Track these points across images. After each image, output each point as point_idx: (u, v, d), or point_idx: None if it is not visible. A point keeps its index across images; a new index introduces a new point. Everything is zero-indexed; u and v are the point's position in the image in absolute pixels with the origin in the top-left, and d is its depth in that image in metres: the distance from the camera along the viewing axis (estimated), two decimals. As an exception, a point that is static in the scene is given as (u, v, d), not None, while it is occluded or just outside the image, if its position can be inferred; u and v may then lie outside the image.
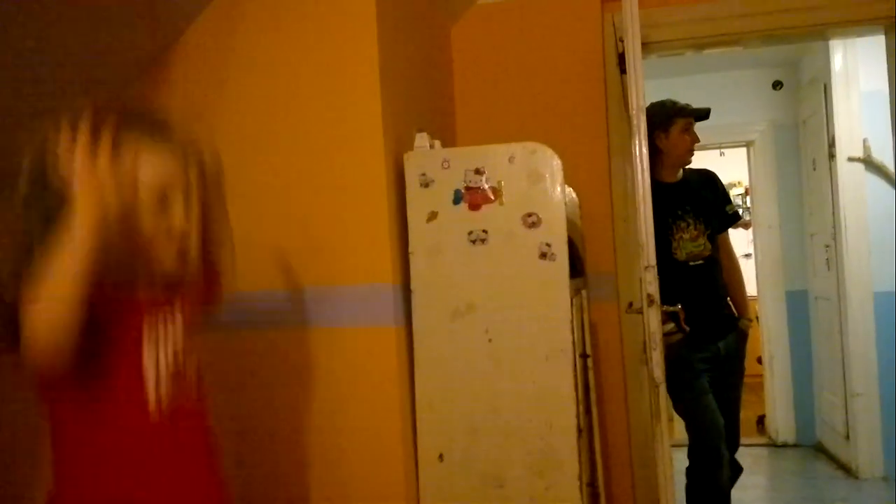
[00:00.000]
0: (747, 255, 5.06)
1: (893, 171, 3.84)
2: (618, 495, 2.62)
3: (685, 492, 2.83)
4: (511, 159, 2.03)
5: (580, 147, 2.70)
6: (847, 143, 4.04)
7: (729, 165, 6.08)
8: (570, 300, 1.98)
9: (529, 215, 2.00)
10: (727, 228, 3.07)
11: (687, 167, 3.01)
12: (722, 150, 5.85)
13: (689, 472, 2.81)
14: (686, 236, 2.88)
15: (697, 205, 2.92)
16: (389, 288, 2.02)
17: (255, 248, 2.09)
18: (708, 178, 3.08)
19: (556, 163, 2.00)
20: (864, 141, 3.96)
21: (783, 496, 4.12)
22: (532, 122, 2.78)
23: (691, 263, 2.87)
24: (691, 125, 2.93)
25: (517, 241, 2.01)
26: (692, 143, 2.93)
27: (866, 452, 4.07)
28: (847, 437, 4.21)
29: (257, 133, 2.11)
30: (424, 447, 2.05)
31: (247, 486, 2.03)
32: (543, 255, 1.98)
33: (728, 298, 3.01)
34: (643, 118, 2.13)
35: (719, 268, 2.98)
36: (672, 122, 2.90)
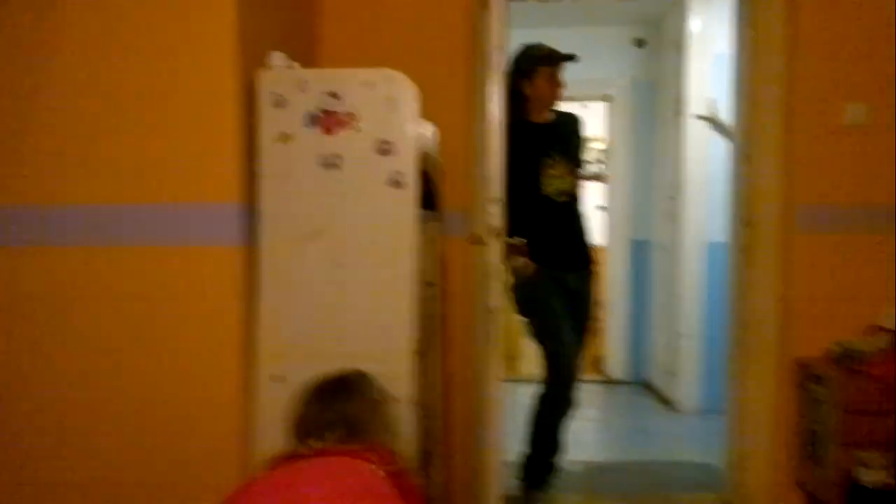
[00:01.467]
0: (603, 208, 5.32)
1: (735, 131, 4.11)
2: (457, 419, 2.74)
3: (533, 415, 3.01)
4: (368, 85, 2.02)
5: (443, 83, 2.71)
6: (696, 102, 4.29)
7: (590, 119, 6.29)
8: (417, 229, 2.02)
9: (383, 143, 2.01)
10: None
11: (558, 109, 3.13)
12: (585, 103, 6.04)
13: (543, 397, 2.99)
14: (554, 173, 3.00)
15: (565, 145, 3.07)
16: (234, 207, 1.99)
17: (93, 161, 2.00)
18: (574, 120, 3.21)
19: (413, 92, 2.01)
20: (711, 100, 4.21)
21: (614, 427, 4.47)
22: (398, 53, 2.73)
23: (558, 199, 3.02)
24: (555, 73, 3.01)
25: (369, 168, 2.02)
26: (556, 90, 3.03)
27: (687, 388, 4.46)
28: (672, 374, 4.59)
29: (100, 37, 1.99)
30: (264, 369, 2.06)
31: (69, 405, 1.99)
32: (394, 183, 2.00)
33: (587, 238, 3.17)
34: (500, 57, 2.17)
35: (581, 206, 3.15)
36: (536, 71, 2.98)
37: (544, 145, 3.02)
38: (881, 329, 2.63)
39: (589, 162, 4.48)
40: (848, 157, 2.74)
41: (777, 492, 2.82)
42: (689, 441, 4.02)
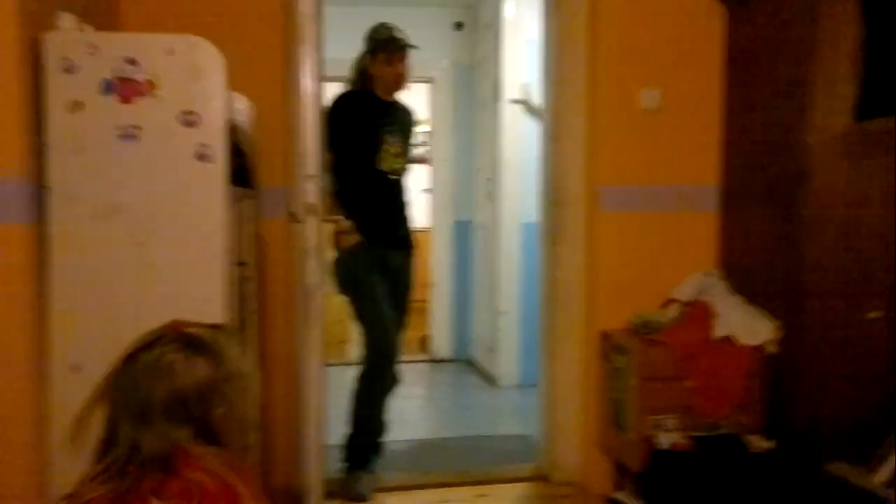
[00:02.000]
0: (428, 190, 5.38)
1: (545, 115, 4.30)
2: (272, 400, 2.66)
3: (354, 395, 3.00)
4: (169, 52, 1.89)
5: (258, 55, 2.61)
6: (511, 86, 4.43)
7: (410, 99, 6.35)
8: (227, 205, 1.92)
9: (187, 113, 1.89)
10: None
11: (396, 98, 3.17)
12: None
13: (363, 376, 2.98)
14: (391, 150, 3.05)
15: (402, 128, 3.14)
16: (19, 182, 1.80)
17: None
18: (410, 113, 3.29)
19: (220, 61, 1.91)
20: (525, 85, 4.38)
21: (438, 404, 4.56)
22: (208, 22, 2.59)
23: (390, 176, 3.06)
24: (393, 59, 3.02)
25: (173, 140, 1.89)
26: (395, 76, 3.04)
27: (506, 364, 4.64)
28: (492, 350, 4.75)
29: None
30: (58, 359, 1.88)
31: None
32: (201, 157, 1.89)
33: (409, 219, 3.21)
34: (313, 29, 2.11)
35: (407, 189, 3.20)
36: (376, 52, 3.01)
37: (385, 121, 3.06)
38: (675, 301, 2.86)
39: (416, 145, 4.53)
40: (645, 140, 2.94)
41: (586, 459, 3.00)
42: (508, 414, 4.18)
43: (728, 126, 2.94)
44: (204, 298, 1.89)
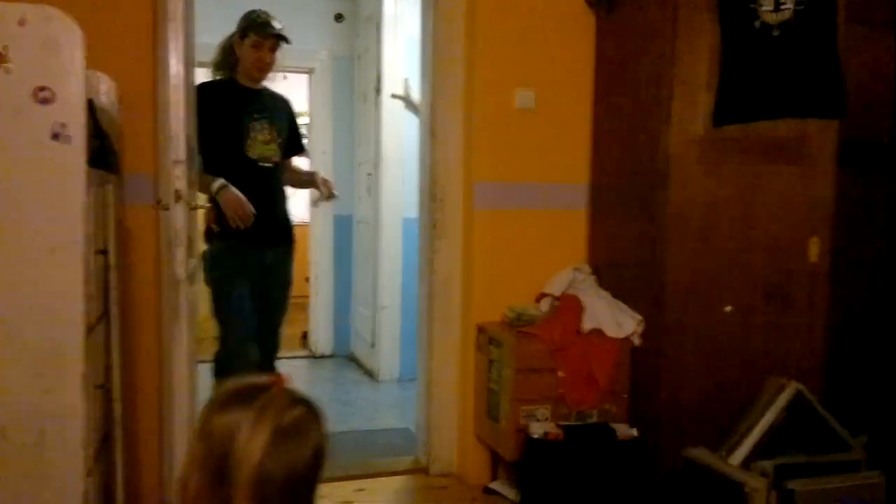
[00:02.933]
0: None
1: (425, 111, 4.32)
2: (140, 397, 2.53)
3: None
4: (21, 22, 1.75)
5: (123, 33, 2.47)
6: (391, 80, 4.43)
7: (290, 91, 6.23)
8: (86, 189, 1.81)
9: (41, 89, 1.76)
10: (294, 156, 3.23)
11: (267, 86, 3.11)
12: (285, 74, 5.96)
13: (214, 373, 2.88)
14: (260, 138, 2.96)
15: (273, 116, 3.03)
16: None
17: None
18: (285, 101, 3.20)
19: (78, 35, 1.79)
20: (405, 80, 4.39)
21: (318, 399, 4.47)
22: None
23: (261, 164, 2.96)
24: (263, 44, 2.94)
25: (24, 118, 1.75)
26: (259, 62, 2.96)
27: (386, 358, 4.63)
28: (373, 345, 4.73)
29: None
30: None
31: None
32: (56, 136, 1.76)
33: (288, 211, 3.13)
34: (179, 7, 2.02)
35: (283, 178, 3.11)
36: (246, 33, 2.93)
37: (251, 108, 2.97)
38: (547, 295, 2.94)
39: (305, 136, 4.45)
40: (520, 138, 3.01)
41: (464, 450, 3.04)
42: (389, 409, 4.17)
43: (597, 128, 3.06)
44: (59, 284, 1.77)
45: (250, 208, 2.79)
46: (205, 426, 0.97)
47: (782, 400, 2.34)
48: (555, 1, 3.00)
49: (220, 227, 2.82)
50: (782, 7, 2.51)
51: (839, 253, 2.63)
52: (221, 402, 0.98)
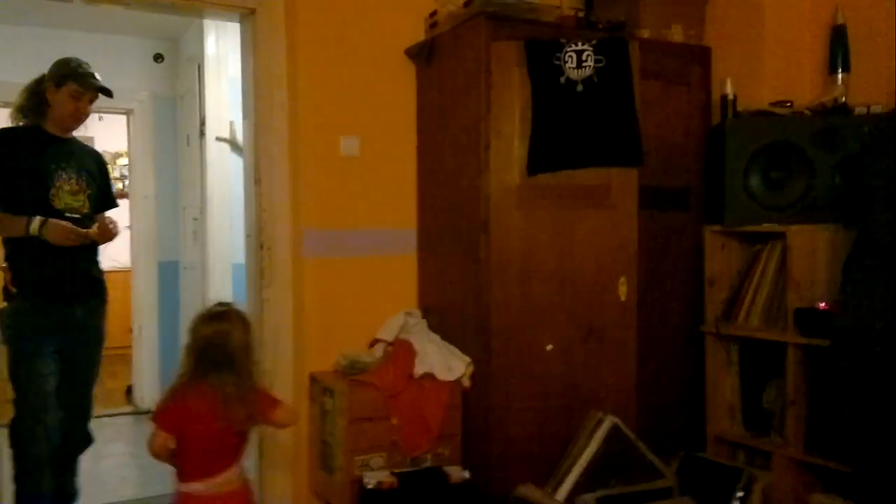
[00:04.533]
0: (128, 227, 5.00)
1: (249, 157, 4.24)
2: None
3: (17, 461, 2.69)
4: None
5: None
6: (216, 122, 4.30)
7: (107, 131, 5.95)
8: None
9: None
10: (105, 210, 3.04)
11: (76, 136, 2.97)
12: (101, 116, 5.67)
13: (10, 440, 2.68)
14: (66, 188, 2.81)
15: (81, 166, 2.88)
16: None
17: None
18: (96, 155, 3.09)
19: None
20: (231, 123, 4.28)
21: (142, 460, 4.19)
22: None
23: (67, 215, 2.79)
24: (83, 96, 2.83)
25: None
26: (77, 113, 2.85)
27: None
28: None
29: None
30: None
31: None
32: None
33: (99, 265, 2.97)
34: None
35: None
36: (65, 82, 2.80)
37: (58, 157, 2.81)
38: (380, 340, 2.96)
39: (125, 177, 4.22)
40: (348, 185, 3.03)
41: (297, 503, 2.97)
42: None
43: (422, 174, 3.13)
44: None
45: (81, 231, 2.71)
46: (197, 334, 2.10)
47: (600, 433, 2.49)
48: (377, 49, 3.06)
49: (16, 288, 2.62)
50: (584, 65, 2.71)
51: (644, 291, 2.84)
52: (206, 319, 2.12)
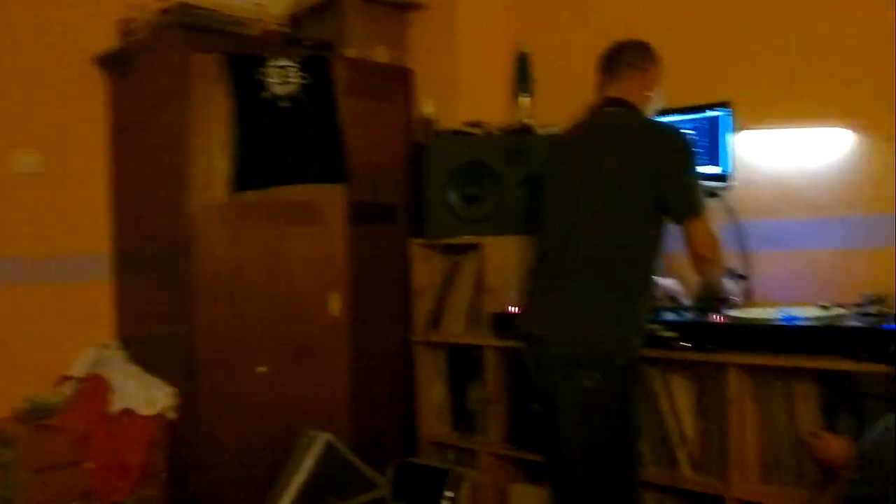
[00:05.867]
0: None
1: None
2: None
3: None
4: None
5: None
6: None
7: None
8: None
9: None
10: None
11: None
12: None
13: None
14: None
15: None
16: None
17: None
18: None
19: None
20: None
21: None
22: None
23: None
24: None
25: None
26: None
27: None
28: None
29: None
30: None
31: None
32: None
33: None
34: None
35: None
36: None
37: None
38: (70, 378, 2.66)
39: None
40: (25, 206, 2.69)
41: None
42: None
43: (116, 193, 2.90)
44: None
45: None
46: None
47: (314, 452, 2.46)
48: (62, 57, 2.78)
49: None
50: (289, 81, 2.68)
51: (356, 305, 2.87)
52: None
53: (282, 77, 2.68)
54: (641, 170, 2.00)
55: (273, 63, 2.67)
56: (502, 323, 2.63)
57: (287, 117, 2.68)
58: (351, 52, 3.10)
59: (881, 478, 1.49)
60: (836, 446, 1.89)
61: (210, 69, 2.58)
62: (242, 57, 2.63)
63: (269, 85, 2.66)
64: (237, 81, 2.61)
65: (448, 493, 2.64)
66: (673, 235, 2.08)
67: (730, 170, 2.52)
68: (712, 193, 2.43)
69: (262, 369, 2.66)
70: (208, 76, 2.58)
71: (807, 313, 2.13)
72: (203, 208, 2.56)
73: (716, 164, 2.53)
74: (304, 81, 2.71)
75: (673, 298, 2.43)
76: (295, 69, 2.70)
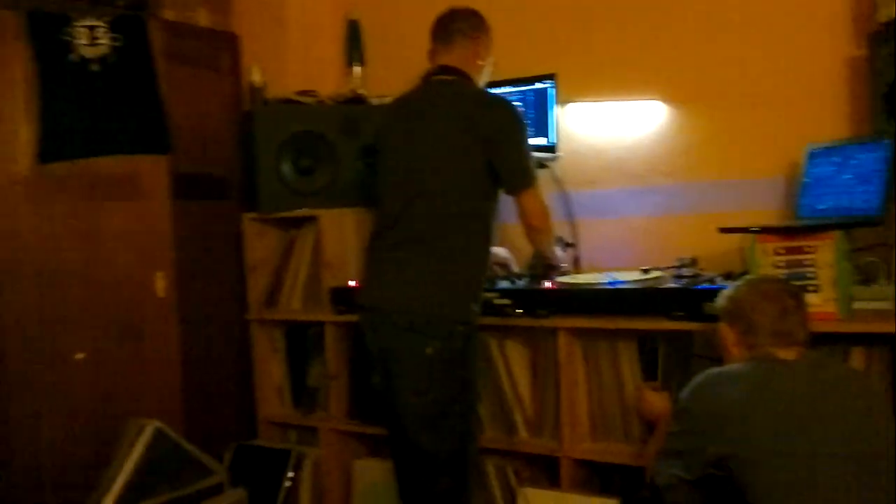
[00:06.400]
0: None
1: None
2: None
3: None
4: None
5: None
6: None
7: None
8: None
9: None
10: None
11: None
12: None
13: None
14: None
15: None
16: None
17: None
18: None
19: None
20: None
21: None
22: None
23: None
24: None
25: None
26: None
27: None
28: None
29: None
30: None
31: None
32: None
33: None
34: None
35: None
36: None
37: None
38: None
39: None
40: None
41: None
42: None
43: None
44: None
45: None
46: None
47: (142, 441, 2.31)
48: None
49: None
50: (97, 42, 2.46)
51: (183, 284, 2.72)
52: None
53: (90, 38, 2.46)
54: (473, 142, 2.01)
55: (80, 22, 2.44)
56: (342, 297, 2.58)
57: (98, 81, 2.48)
58: (169, 14, 2.88)
59: (695, 428, 1.61)
60: (655, 400, 2.02)
61: (10, 27, 2.34)
62: (45, 15, 2.39)
63: (76, 46, 2.44)
64: (40, 42, 2.39)
65: (290, 474, 2.58)
66: (504, 206, 2.13)
67: (555, 141, 2.60)
68: (542, 164, 2.50)
69: (81, 356, 2.46)
70: (8, 35, 2.34)
71: (629, 277, 2.25)
72: (4, 182, 2.32)
73: (544, 135, 2.61)
74: (115, 43, 2.51)
75: (505, 266, 2.49)
76: (105, 29, 2.49)
